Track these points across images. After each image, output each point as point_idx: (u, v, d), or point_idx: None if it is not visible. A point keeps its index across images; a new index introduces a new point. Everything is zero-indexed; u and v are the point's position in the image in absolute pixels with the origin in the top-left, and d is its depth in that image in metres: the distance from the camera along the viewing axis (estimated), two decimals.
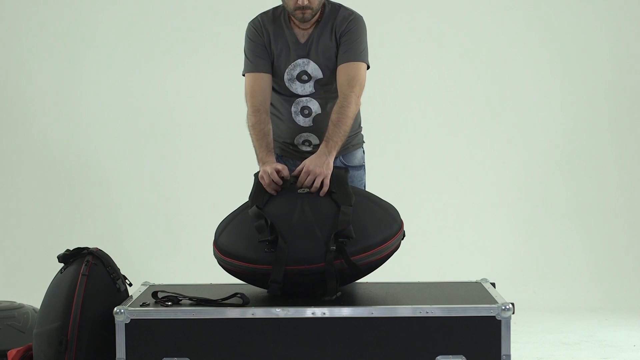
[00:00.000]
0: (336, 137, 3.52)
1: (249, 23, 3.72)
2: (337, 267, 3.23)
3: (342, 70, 3.62)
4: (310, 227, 3.28)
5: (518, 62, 6.21)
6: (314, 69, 3.65)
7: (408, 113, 6.13)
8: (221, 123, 6.06)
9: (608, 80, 6.20)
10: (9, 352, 3.47)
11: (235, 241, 3.37)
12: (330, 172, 3.44)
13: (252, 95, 3.65)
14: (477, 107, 6.20)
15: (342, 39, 3.64)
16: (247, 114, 3.64)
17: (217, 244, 3.43)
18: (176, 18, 6.18)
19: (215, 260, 3.45)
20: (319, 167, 3.43)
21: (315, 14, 3.62)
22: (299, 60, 3.66)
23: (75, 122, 6.16)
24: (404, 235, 3.48)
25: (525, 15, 6.21)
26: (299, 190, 3.42)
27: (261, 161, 3.54)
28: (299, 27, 3.67)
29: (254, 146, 3.61)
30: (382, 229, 3.36)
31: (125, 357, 3.11)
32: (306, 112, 3.69)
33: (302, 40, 3.66)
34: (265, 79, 3.67)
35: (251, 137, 3.62)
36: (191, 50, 6.16)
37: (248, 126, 3.64)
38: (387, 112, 6.03)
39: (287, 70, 3.66)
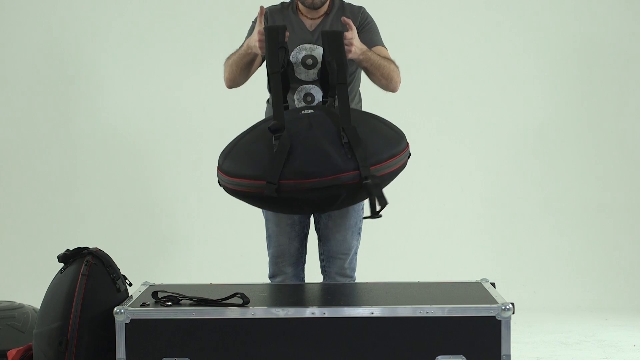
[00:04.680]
0: (376, 56, 3.64)
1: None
2: (350, 180, 3.25)
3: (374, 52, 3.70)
4: (319, 142, 3.29)
5: (515, 60, 6.21)
6: (320, 54, 3.68)
7: (407, 112, 6.12)
8: (222, 123, 6.05)
9: (607, 76, 6.20)
10: (9, 352, 3.47)
11: (239, 163, 3.36)
12: (359, 49, 3.53)
13: (227, 58, 3.76)
14: (477, 107, 6.20)
15: (363, 29, 3.73)
16: (227, 63, 3.76)
17: (221, 168, 3.42)
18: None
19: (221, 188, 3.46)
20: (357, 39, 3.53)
21: (325, 2, 3.72)
22: (305, 44, 3.71)
23: (74, 123, 6.16)
24: (409, 155, 3.52)
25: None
26: (303, 112, 3.43)
27: (246, 44, 3.64)
28: (307, 17, 3.75)
29: (237, 55, 3.70)
30: (392, 144, 3.40)
31: (125, 357, 3.11)
32: (309, 99, 3.73)
33: (311, 29, 3.74)
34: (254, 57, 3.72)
35: (231, 60, 3.72)
36: (209, 49, 6.14)
37: (225, 69, 3.76)
38: (385, 112, 6.01)
39: (292, 53, 3.70)
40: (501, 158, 6.19)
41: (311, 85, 3.72)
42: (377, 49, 3.74)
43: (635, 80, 6.19)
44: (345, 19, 3.56)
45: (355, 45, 3.53)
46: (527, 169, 6.19)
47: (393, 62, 3.72)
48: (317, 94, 3.71)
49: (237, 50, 3.73)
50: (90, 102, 6.17)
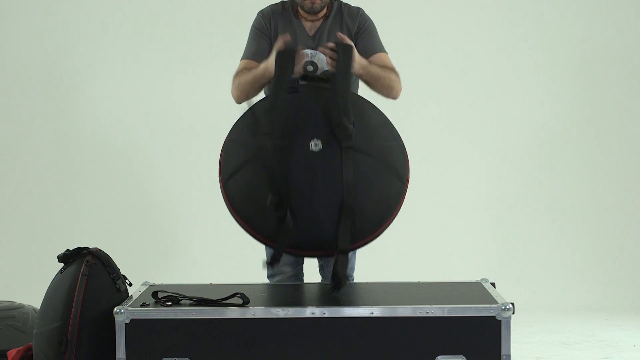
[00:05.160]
0: (375, 68, 3.59)
1: (258, 13, 3.78)
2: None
3: (374, 61, 3.68)
4: (319, 218, 3.34)
5: (519, 61, 6.21)
6: (321, 60, 3.66)
7: (407, 112, 6.12)
8: (222, 123, 6.03)
9: (611, 79, 6.20)
10: (9, 352, 3.47)
11: (243, 197, 3.39)
12: (358, 65, 3.48)
13: (238, 74, 3.68)
14: (478, 107, 6.20)
15: (362, 34, 3.71)
16: (232, 88, 3.68)
17: (226, 189, 3.43)
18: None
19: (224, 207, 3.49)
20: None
21: (324, 7, 3.69)
22: (306, 50, 3.68)
23: (74, 122, 6.16)
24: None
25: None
26: (311, 146, 3.40)
27: (264, 67, 3.54)
28: (307, 20, 3.72)
29: (253, 77, 3.59)
30: (391, 202, 3.45)
31: (125, 357, 3.11)
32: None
33: (311, 33, 3.72)
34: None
35: (245, 80, 3.62)
36: (202, 51, 6.14)
37: (235, 86, 3.65)
38: (387, 112, 6.02)
39: None
40: (502, 158, 6.19)
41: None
42: (378, 56, 3.70)
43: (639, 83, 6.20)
44: (341, 34, 3.53)
45: (355, 61, 3.49)
46: (527, 169, 6.19)
47: (393, 71, 3.69)
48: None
49: (250, 71, 3.61)
50: (89, 103, 6.17)
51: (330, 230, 3.33)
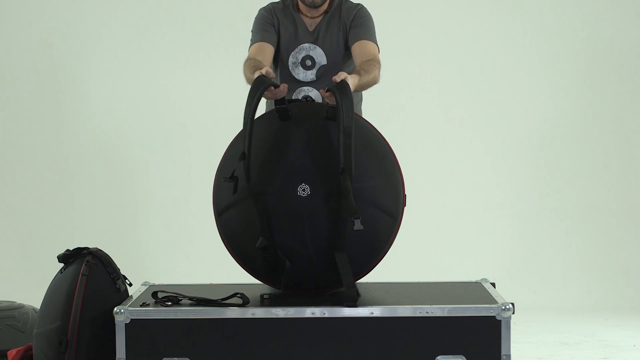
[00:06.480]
0: (364, 80, 3.43)
1: (260, 9, 3.81)
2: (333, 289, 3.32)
3: (358, 48, 3.67)
4: (309, 261, 3.25)
5: (522, 61, 6.21)
6: (319, 55, 3.72)
7: (407, 112, 6.13)
8: (222, 123, 6.05)
9: (614, 79, 6.20)
10: (9, 352, 3.47)
11: (239, 235, 3.34)
12: (347, 81, 3.26)
13: (250, 57, 3.64)
14: (477, 107, 6.20)
15: (352, 23, 3.72)
16: (244, 70, 3.58)
17: (220, 225, 3.43)
18: (189, 17, 6.19)
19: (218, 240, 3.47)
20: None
21: (325, 1, 3.73)
22: (305, 44, 3.74)
23: (74, 122, 6.16)
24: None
25: (511, 8, 6.20)
26: (299, 191, 3.31)
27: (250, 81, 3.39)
28: (307, 16, 3.77)
29: (247, 79, 3.53)
30: (379, 241, 3.34)
31: (125, 357, 3.12)
32: (308, 100, 3.72)
33: (311, 29, 3.76)
34: (268, 48, 3.69)
35: (246, 77, 3.56)
36: (197, 49, 6.15)
37: (244, 73, 3.58)
38: (385, 112, 6.03)
39: (292, 53, 3.73)
40: (502, 159, 6.19)
41: (309, 88, 3.73)
42: (363, 43, 3.67)
43: None
44: (322, 91, 3.32)
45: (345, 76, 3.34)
46: (527, 169, 6.19)
47: (375, 64, 3.56)
48: (314, 95, 3.72)
49: (250, 68, 3.50)
50: (88, 104, 6.17)
51: (321, 271, 3.25)
